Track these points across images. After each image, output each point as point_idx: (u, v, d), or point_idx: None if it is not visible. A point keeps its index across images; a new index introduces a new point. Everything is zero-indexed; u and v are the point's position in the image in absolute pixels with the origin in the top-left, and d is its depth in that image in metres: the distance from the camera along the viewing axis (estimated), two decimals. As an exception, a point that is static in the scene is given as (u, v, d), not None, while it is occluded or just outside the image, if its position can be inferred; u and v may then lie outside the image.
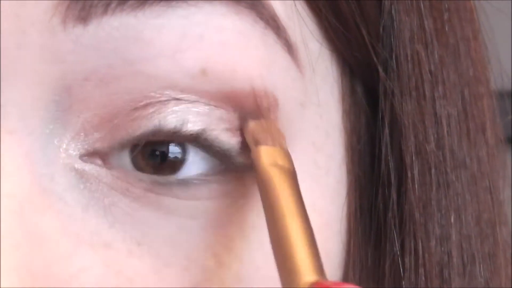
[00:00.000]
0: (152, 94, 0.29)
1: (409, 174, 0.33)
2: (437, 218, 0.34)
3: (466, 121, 0.35)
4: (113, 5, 0.28)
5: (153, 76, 0.29)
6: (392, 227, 0.34)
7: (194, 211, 0.30)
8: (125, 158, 0.30)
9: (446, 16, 0.35)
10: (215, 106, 0.29)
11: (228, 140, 0.30)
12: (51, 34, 0.28)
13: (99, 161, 0.30)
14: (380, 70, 0.33)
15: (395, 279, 0.34)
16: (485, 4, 0.41)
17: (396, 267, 0.34)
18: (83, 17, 0.28)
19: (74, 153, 0.29)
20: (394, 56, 0.33)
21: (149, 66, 0.29)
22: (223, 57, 0.29)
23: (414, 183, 0.33)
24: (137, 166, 0.30)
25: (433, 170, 0.34)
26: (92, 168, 0.30)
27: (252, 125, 0.30)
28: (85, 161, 0.30)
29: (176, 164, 0.30)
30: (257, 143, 0.30)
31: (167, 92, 0.29)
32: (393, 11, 0.33)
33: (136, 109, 0.29)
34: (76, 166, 0.29)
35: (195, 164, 0.30)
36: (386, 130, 0.34)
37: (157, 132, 0.29)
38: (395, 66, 0.33)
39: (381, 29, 0.33)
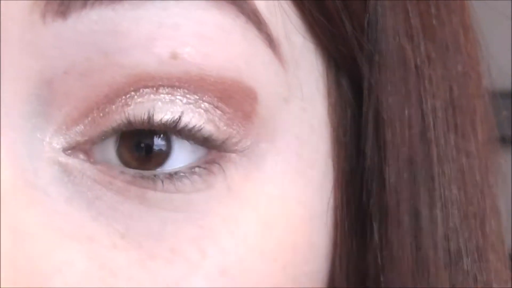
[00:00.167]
0: (124, 85, 0.29)
1: (393, 167, 0.34)
2: (422, 211, 0.34)
3: (454, 116, 0.35)
4: None
5: (126, 66, 0.29)
6: (375, 220, 0.34)
7: (178, 204, 0.30)
8: (110, 152, 0.30)
9: (434, 11, 0.35)
10: (185, 92, 0.29)
11: (209, 126, 0.30)
12: (31, 29, 0.28)
13: (82, 155, 0.30)
14: (364, 64, 0.33)
15: (378, 271, 0.34)
16: (485, 4, 0.41)
17: (379, 259, 0.34)
18: (63, 11, 0.28)
19: (58, 146, 0.30)
20: (378, 50, 0.33)
21: (124, 57, 0.29)
22: (197, 45, 0.29)
23: (399, 177, 0.34)
24: (123, 160, 0.30)
25: (417, 163, 0.34)
26: (76, 161, 0.30)
27: None
28: (68, 155, 0.30)
29: (161, 157, 0.30)
30: None
31: (138, 82, 0.29)
32: (378, 6, 0.33)
33: (108, 102, 0.29)
34: (59, 159, 0.30)
35: (180, 157, 0.30)
36: (371, 123, 0.34)
37: (129, 124, 0.29)
38: (380, 60, 0.33)
39: (365, 24, 0.33)
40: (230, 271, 0.30)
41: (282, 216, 0.32)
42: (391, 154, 0.34)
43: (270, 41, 0.31)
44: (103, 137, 0.30)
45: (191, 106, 0.30)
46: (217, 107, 0.30)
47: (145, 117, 0.29)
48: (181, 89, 0.29)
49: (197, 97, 0.30)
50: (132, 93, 0.29)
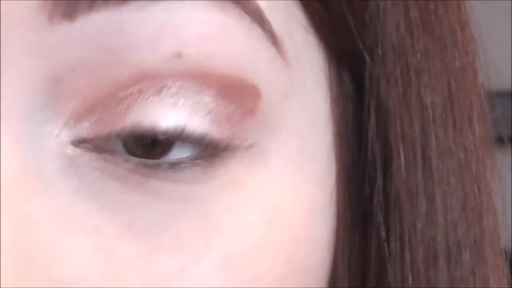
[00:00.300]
0: (129, 82, 0.29)
1: (395, 160, 0.34)
2: (423, 203, 0.34)
3: (452, 111, 0.35)
4: (98, 2, 0.29)
5: (131, 63, 0.29)
6: (378, 212, 0.34)
7: (182, 194, 0.30)
8: (117, 143, 0.30)
9: (432, 7, 0.35)
10: (188, 91, 0.30)
11: (212, 129, 0.30)
12: (38, 31, 0.29)
13: (89, 146, 0.30)
14: (367, 56, 0.34)
15: (381, 264, 0.34)
16: (485, 4, 0.41)
17: (381, 252, 0.34)
18: (69, 14, 0.29)
19: (66, 139, 0.30)
20: (380, 44, 0.34)
21: (129, 54, 0.29)
22: (200, 45, 0.30)
23: (400, 169, 0.34)
24: (128, 149, 0.30)
25: (418, 156, 0.34)
26: (83, 153, 0.30)
27: None
28: (76, 146, 0.30)
29: (167, 146, 0.30)
30: None
31: (141, 81, 0.29)
32: (379, 0, 0.34)
33: (112, 101, 0.30)
34: (67, 152, 0.30)
35: (185, 146, 0.30)
36: (372, 117, 0.34)
37: (132, 133, 0.30)
38: (381, 54, 0.34)
39: (367, 17, 0.33)
40: (235, 262, 0.31)
41: (284, 210, 0.32)
42: (394, 147, 0.34)
43: (273, 39, 0.31)
44: (108, 138, 0.30)
45: (194, 108, 0.30)
46: (220, 104, 0.30)
47: (149, 127, 0.30)
48: (183, 90, 0.30)
49: (199, 98, 0.30)
50: (136, 95, 0.30)
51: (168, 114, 0.30)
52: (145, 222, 0.30)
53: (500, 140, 0.42)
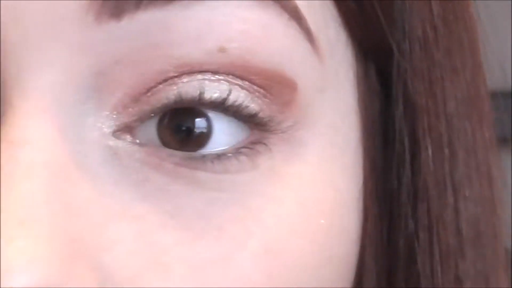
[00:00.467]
0: (173, 72, 0.30)
1: (423, 153, 0.35)
2: (450, 195, 0.35)
3: (470, 107, 0.37)
4: (144, 2, 0.29)
5: (176, 56, 0.30)
6: (407, 204, 0.35)
7: (224, 184, 0.31)
8: (152, 134, 0.31)
9: (450, 6, 0.36)
10: (230, 76, 0.31)
11: (254, 105, 0.31)
12: (85, 29, 0.29)
13: (129, 137, 0.31)
14: (396, 50, 0.34)
15: (409, 256, 0.35)
16: (485, 4, 0.41)
17: (410, 244, 0.35)
18: (116, 14, 0.29)
19: (108, 130, 0.30)
20: (407, 39, 0.35)
21: (174, 49, 0.30)
22: (243, 41, 0.30)
23: (428, 161, 0.35)
24: (164, 141, 0.31)
25: (445, 149, 0.35)
26: (125, 144, 0.31)
27: None
28: (117, 137, 0.31)
29: (202, 139, 0.31)
30: None
31: (186, 69, 0.30)
32: None
33: (158, 85, 0.30)
34: (109, 143, 0.30)
35: (220, 139, 0.31)
36: (400, 110, 0.35)
37: (179, 101, 0.30)
38: (408, 49, 0.35)
39: (394, 13, 0.34)
40: (274, 250, 0.31)
41: (319, 200, 0.33)
42: (422, 140, 0.35)
43: (309, 36, 0.32)
44: (152, 114, 0.31)
45: (237, 86, 0.31)
46: (260, 92, 0.31)
47: (196, 94, 0.30)
48: (226, 74, 0.31)
49: (241, 82, 0.31)
50: (180, 84, 0.30)
51: (213, 86, 0.30)
52: (188, 211, 0.30)
53: (502, 140, 0.42)
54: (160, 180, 0.31)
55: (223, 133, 0.31)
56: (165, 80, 0.30)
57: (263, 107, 0.31)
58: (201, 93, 0.30)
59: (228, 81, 0.31)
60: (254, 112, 0.31)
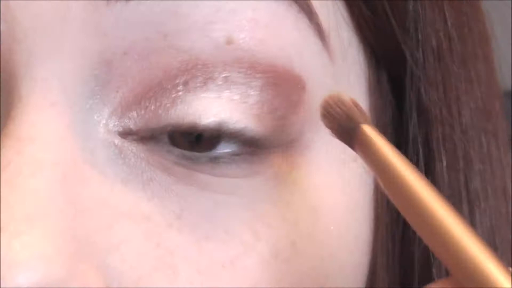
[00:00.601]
0: (177, 71, 0.29)
1: (437, 163, 0.34)
2: (466, 207, 0.35)
3: (484, 119, 0.36)
4: None
5: (183, 49, 0.29)
6: None
7: (228, 187, 0.30)
8: (163, 135, 0.30)
9: (465, 19, 0.36)
10: (233, 84, 0.30)
11: (252, 126, 0.30)
12: (94, 9, 0.29)
13: (135, 137, 0.30)
14: (409, 58, 0.34)
15: (424, 266, 0.34)
16: (486, 4, 0.41)
17: (426, 255, 0.34)
18: None
19: (114, 129, 0.30)
20: (420, 48, 0.34)
21: (182, 39, 0.29)
22: (252, 31, 0.30)
23: (442, 173, 0.34)
24: (174, 142, 0.30)
25: (460, 160, 0.35)
26: (130, 144, 0.30)
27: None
28: (123, 137, 0.30)
29: (212, 141, 0.30)
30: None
31: (189, 71, 0.29)
32: (418, 6, 0.34)
33: (160, 90, 0.30)
34: (115, 141, 0.30)
35: (229, 142, 0.30)
36: (414, 120, 0.34)
37: (177, 126, 0.30)
38: (421, 58, 0.34)
39: (407, 22, 0.34)
40: (283, 254, 0.31)
41: (328, 205, 0.32)
42: (436, 150, 0.34)
43: (320, 32, 0.31)
44: (153, 133, 0.30)
45: (238, 102, 0.30)
46: (264, 98, 0.30)
47: (192, 121, 0.30)
48: (228, 83, 0.30)
49: (244, 91, 0.30)
50: (181, 87, 0.30)
51: (210, 108, 0.30)
52: (193, 212, 0.30)
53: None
54: (165, 181, 0.30)
55: (232, 138, 0.31)
56: (169, 85, 0.29)
57: (265, 120, 0.30)
58: (197, 123, 0.30)
59: (228, 97, 0.30)
60: (252, 134, 0.30)
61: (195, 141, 0.30)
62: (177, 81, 0.30)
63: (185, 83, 0.30)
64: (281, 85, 0.30)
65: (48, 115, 0.29)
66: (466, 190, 0.35)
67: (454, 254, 0.26)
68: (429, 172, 0.34)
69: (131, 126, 0.30)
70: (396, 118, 0.35)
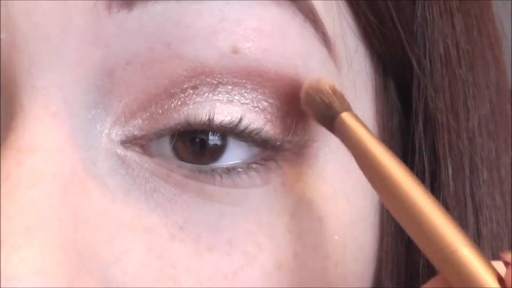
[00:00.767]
0: (184, 78, 0.29)
1: (443, 171, 0.34)
2: (471, 215, 0.34)
3: (495, 123, 0.36)
4: None
5: (187, 58, 0.29)
6: None
7: (235, 198, 0.30)
8: (166, 146, 0.30)
9: (474, 22, 0.35)
10: (242, 91, 0.30)
11: (266, 127, 0.30)
12: (95, 19, 0.29)
13: (138, 148, 0.30)
14: (416, 66, 0.34)
15: (429, 273, 0.34)
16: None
17: (431, 264, 0.34)
18: (128, 3, 0.29)
19: (116, 139, 0.30)
20: (427, 55, 0.34)
21: (186, 48, 0.29)
22: (257, 40, 0.29)
23: (448, 180, 0.34)
24: (178, 154, 0.30)
25: (466, 168, 0.34)
26: (134, 154, 0.30)
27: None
28: (126, 148, 0.30)
29: (216, 152, 0.30)
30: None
31: (197, 77, 0.29)
32: (426, 12, 0.34)
33: (167, 98, 0.29)
34: (117, 151, 0.30)
35: (235, 151, 0.30)
36: (420, 127, 0.34)
37: (187, 125, 0.29)
38: (429, 65, 0.34)
39: (415, 28, 0.33)
40: (286, 266, 0.30)
41: (334, 214, 0.32)
42: (442, 158, 0.34)
43: (326, 40, 0.31)
44: (159, 134, 0.30)
45: (249, 106, 0.30)
46: (274, 105, 0.30)
47: (205, 119, 0.29)
48: (238, 87, 0.30)
49: (254, 96, 0.30)
50: (190, 91, 0.29)
51: (223, 109, 0.29)
52: (197, 223, 0.30)
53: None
54: (169, 192, 0.30)
55: (237, 147, 0.30)
56: (176, 91, 0.29)
57: (276, 125, 0.30)
58: (210, 118, 0.29)
59: (239, 101, 0.29)
60: (266, 136, 0.30)
61: (199, 152, 0.30)
62: (185, 86, 0.29)
63: (194, 87, 0.29)
64: (288, 94, 0.30)
65: (49, 125, 0.29)
66: (471, 198, 0.34)
67: (432, 240, 0.27)
68: (434, 180, 0.34)
69: (135, 132, 0.30)
70: (403, 124, 0.35)
